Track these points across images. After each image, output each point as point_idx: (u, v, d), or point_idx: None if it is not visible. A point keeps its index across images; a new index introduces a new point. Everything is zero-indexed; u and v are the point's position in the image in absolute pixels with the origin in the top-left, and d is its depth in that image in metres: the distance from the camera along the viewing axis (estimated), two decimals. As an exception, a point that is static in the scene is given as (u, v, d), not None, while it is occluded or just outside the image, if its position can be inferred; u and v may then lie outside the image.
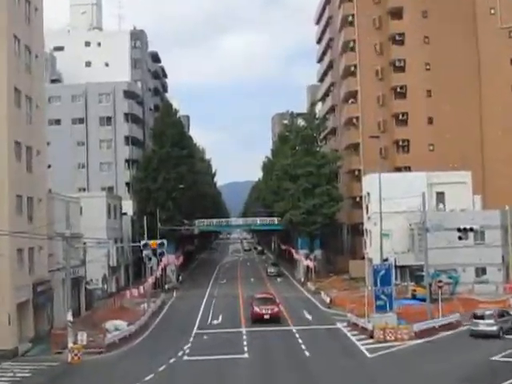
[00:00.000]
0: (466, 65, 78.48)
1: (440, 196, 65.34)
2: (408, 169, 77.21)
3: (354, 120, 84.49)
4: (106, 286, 68.49)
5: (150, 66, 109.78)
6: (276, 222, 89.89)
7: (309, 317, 52.01)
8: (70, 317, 40.47)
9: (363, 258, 71.85)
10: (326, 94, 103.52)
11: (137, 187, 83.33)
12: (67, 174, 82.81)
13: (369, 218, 67.78)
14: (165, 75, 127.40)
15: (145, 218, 69.29)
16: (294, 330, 45.47)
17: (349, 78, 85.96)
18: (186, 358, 38.09)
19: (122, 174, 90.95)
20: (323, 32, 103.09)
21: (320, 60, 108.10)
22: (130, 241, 78.33)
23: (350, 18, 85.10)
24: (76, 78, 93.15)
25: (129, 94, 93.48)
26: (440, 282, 48.70)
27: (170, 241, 69.39)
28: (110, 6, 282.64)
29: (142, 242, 54.80)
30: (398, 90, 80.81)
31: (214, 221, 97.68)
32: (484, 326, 39.61)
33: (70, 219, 53.61)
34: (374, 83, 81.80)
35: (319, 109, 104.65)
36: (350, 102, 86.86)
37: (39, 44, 49.51)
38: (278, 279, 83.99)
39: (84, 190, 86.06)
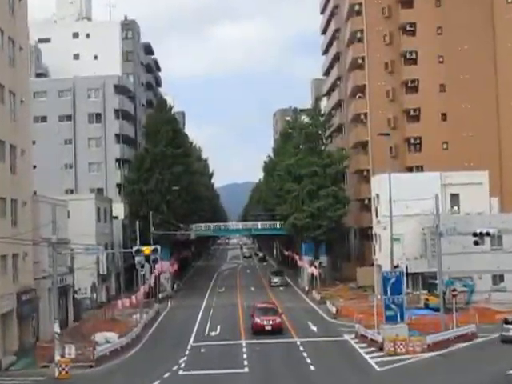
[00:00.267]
0: (482, 57, 78.45)
1: (454, 198, 65.42)
2: (420, 168, 77.31)
3: (362, 116, 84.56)
4: (95, 296, 68.50)
5: (142, 59, 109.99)
6: (278, 227, 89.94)
7: (314, 328, 52.06)
8: (56, 328, 40.47)
9: (372, 264, 71.92)
10: (332, 89, 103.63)
11: (128, 189, 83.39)
12: (54, 175, 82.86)
13: (378, 222, 67.85)
14: (158, 68, 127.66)
15: (137, 222, 69.33)
16: (298, 343, 45.52)
17: (356, 71, 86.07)
18: (181, 372, 38.13)
19: (112, 174, 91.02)
20: (328, 22, 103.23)
21: (325, 52, 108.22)
22: (121, 247, 78.34)
23: (357, 7, 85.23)
24: (63, 71, 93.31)
25: (120, 89, 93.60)
26: (454, 290, 48.77)
27: (165, 246, 69.40)
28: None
29: (134, 248, 54.47)
30: (410, 83, 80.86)
31: (212, 225, 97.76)
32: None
33: (57, 223, 53.63)
34: (383, 77, 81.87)
35: (324, 104, 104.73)
36: (357, 96, 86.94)
37: (24, 35, 49.62)
38: (281, 288, 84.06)
39: (72, 191, 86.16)
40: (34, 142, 56.48)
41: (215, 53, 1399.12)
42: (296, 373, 37.17)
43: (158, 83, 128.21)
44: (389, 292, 42.64)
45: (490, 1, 79.46)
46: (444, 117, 79.72)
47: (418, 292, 60.44)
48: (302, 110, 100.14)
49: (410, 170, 78.01)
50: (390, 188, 50.58)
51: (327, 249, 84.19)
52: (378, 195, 67.31)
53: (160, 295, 75.16)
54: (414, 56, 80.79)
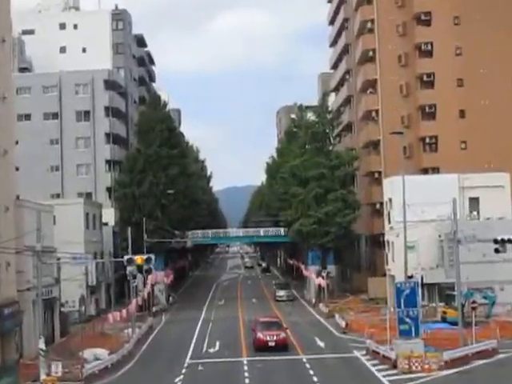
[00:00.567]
0: (504, 49, 78.47)
1: (474, 202, 65.45)
2: (436, 170, 77.33)
3: (373, 113, 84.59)
4: (83, 309, 68.64)
5: (134, 51, 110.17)
6: (282, 233, 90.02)
7: (321, 344, 52.08)
8: (42, 344, 40.52)
9: (384, 274, 71.95)
10: (341, 84, 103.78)
11: (120, 193, 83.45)
12: (38, 178, 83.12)
13: (391, 228, 67.89)
14: (152, 62, 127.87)
15: (129, 228, 69.31)
16: (304, 360, 45.52)
17: (367, 65, 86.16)
18: (177, 392, 38.24)
19: (102, 177, 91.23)
20: (337, 11, 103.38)
21: (333, 44, 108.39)
22: (112, 256, 78.51)
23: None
24: (49, 65, 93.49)
25: (110, 84, 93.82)
26: (474, 302, 48.78)
27: (159, 255, 69.54)
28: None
29: (126, 257, 54.67)
30: (425, 78, 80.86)
31: (210, 232, 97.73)
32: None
33: (42, 230, 53.58)
34: (396, 70, 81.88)
35: (332, 101, 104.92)
36: (368, 92, 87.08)
37: (6, 27, 49.75)
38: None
39: (58, 196, 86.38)
40: (17, 142, 56.62)
41: (213, 47, 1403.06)
42: (302, 392, 37.26)
43: (152, 78, 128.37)
44: (403, 304, 42.64)
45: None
46: (462, 114, 79.64)
47: (434, 304, 60.45)
48: (307, 107, 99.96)
49: (425, 171, 78.02)
50: (403, 191, 50.57)
51: (335, 257, 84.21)
52: (390, 199, 67.37)
53: (154, 308, 75.25)
54: (429, 48, 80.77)
